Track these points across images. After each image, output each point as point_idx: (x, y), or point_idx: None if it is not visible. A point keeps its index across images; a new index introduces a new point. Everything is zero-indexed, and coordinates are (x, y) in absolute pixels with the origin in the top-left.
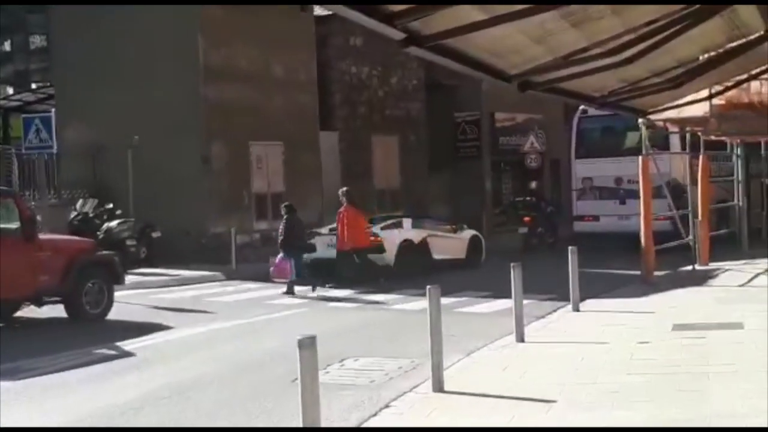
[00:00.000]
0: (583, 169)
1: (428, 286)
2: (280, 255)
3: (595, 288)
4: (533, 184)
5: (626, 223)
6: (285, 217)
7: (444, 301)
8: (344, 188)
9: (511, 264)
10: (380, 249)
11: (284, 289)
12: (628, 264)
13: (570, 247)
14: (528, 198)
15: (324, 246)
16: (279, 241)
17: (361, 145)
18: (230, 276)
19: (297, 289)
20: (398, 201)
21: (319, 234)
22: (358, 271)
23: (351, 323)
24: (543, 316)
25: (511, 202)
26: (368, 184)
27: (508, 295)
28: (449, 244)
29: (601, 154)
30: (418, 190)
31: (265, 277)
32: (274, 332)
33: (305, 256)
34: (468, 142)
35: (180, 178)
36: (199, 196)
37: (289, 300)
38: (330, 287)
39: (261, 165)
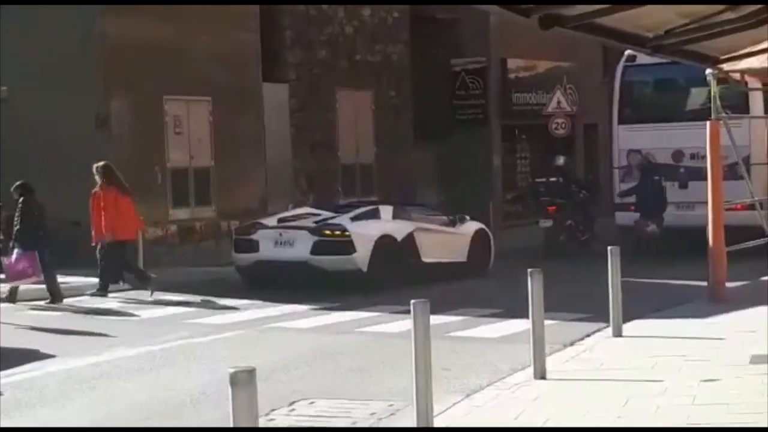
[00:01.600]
0: (628, 138)
1: (413, 301)
2: (17, 251)
3: (644, 304)
4: (560, 160)
5: (688, 214)
6: (20, 200)
7: (435, 320)
8: (100, 163)
9: (529, 270)
10: (347, 248)
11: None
12: (691, 271)
13: (610, 248)
14: (553, 179)
15: (269, 244)
16: (14, 233)
17: (321, 103)
18: (135, 285)
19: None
20: (372, 181)
21: (264, 227)
22: (119, 274)
23: (305, 351)
24: (572, 343)
25: (529, 185)
26: (329, 158)
27: (524, 314)
28: (444, 242)
29: (654, 119)
30: (400, 166)
31: (185, 286)
32: (197, 363)
33: (243, 258)
34: (470, 101)
35: (66, 147)
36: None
37: (219, 317)
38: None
39: (180, 129)
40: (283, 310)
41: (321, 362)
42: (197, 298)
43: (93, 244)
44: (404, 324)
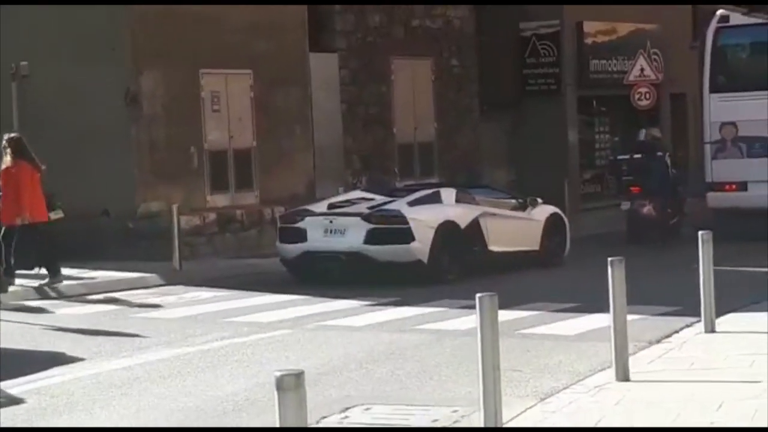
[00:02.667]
0: (722, 109)
1: (479, 295)
2: None
3: (740, 296)
4: (643, 134)
5: None
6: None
7: (504, 316)
8: (12, 135)
9: (609, 259)
10: (404, 236)
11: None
12: None
13: (701, 233)
14: (637, 155)
15: (318, 232)
16: None
17: (375, 75)
18: (171, 279)
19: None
20: (432, 161)
21: (311, 213)
22: (39, 258)
23: (359, 352)
24: (659, 341)
25: (610, 163)
26: (384, 136)
27: (604, 309)
28: (514, 229)
29: (751, 86)
30: (464, 144)
31: (225, 281)
32: (239, 366)
33: (289, 248)
34: (541, 69)
35: (92, 127)
36: (123, 154)
37: (263, 315)
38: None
39: (218, 106)
40: (334, 306)
41: (377, 364)
42: (239, 294)
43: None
44: (470, 320)
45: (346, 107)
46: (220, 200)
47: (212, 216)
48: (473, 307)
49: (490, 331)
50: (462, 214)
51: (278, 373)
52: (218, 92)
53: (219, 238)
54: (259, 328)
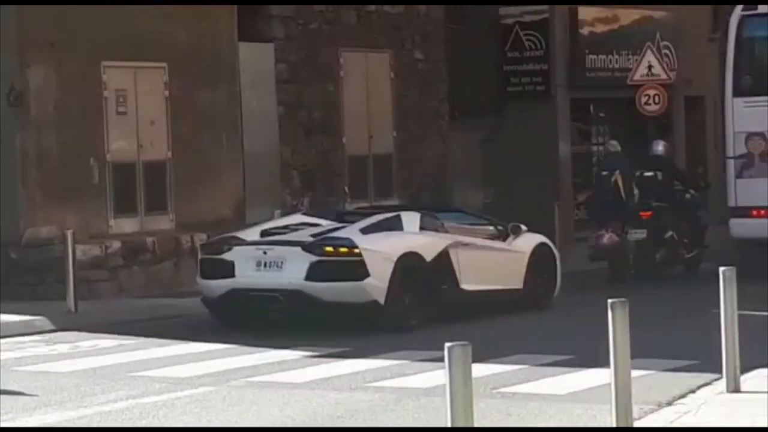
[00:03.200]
0: (748, 117)
1: (449, 344)
2: None
3: None
4: (659, 147)
5: None
6: None
7: (480, 371)
8: None
9: (609, 301)
10: (356, 271)
11: None
12: None
13: (722, 269)
14: (649, 173)
15: (249, 266)
16: None
17: (320, 71)
18: (64, 323)
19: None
20: (390, 179)
21: (241, 242)
22: None
23: (300, 414)
24: (671, 402)
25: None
26: (332, 146)
27: (603, 362)
28: (492, 263)
29: None
30: (431, 157)
31: (132, 326)
32: None
33: (213, 285)
34: (527, 65)
35: None
36: (5, 167)
37: (179, 368)
38: None
39: (125, 107)
40: (268, 357)
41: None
42: (149, 342)
43: None
44: (436, 376)
45: (284, 110)
46: (126, 225)
47: (116, 245)
48: (441, 359)
49: (461, 390)
50: (428, 245)
51: None
52: (125, 90)
53: (125, 272)
54: (175, 385)
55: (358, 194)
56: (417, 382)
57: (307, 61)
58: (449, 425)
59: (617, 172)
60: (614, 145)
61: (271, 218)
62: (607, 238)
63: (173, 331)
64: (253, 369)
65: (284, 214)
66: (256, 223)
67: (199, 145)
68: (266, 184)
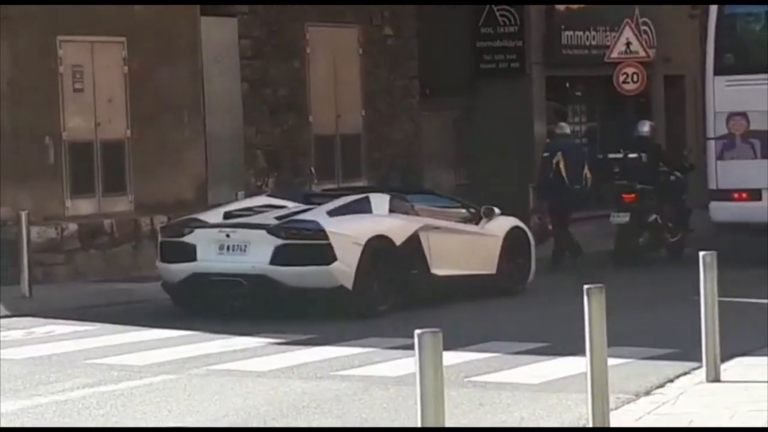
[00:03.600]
0: (729, 96)
1: (418, 331)
2: None
3: (752, 335)
4: (645, 127)
5: None
6: None
7: (451, 359)
8: None
9: (586, 287)
10: (323, 255)
11: None
12: None
13: (703, 254)
14: (632, 155)
15: (211, 249)
16: None
17: (286, 46)
18: (18, 308)
19: None
20: (359, 159)
21: (203, 224)
22: None
23: (263, 404)
24: (649, 392)
25: (597, 162)
26: (298, 125)
27: (578, 350)
28: (464, 247)
29: (767, 67)
30: (400, 137)
31: (89, 312)
32: (105, 422)
33: (173, 269)
34: (500, 42)
35: None
36: None
37: (137, 356)
38: None
39: (81, 84)
40: (231, 344)
41: (286, 420)
42: (107, 328)
43: None
44: (406, 364)
45: (248, 88)
46: (83, 206)
47: (73, 227)
48: (411, 347)
49: (432, 379)
50: (397, 228)
51: None
52: (81, 66)
53: (81, 255)
54: (133, 373)
55: (325, 175)
56: (386, 371)
57: (272, 37)
58: (419, 415)
59: (559, 153)
60: (561, 127)
61: (234, 200)
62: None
63: (132, 317)
64: (216, 356)
65: (248, 196)
66: (218, 205)
67: (159, 124)
68: (229, 164)
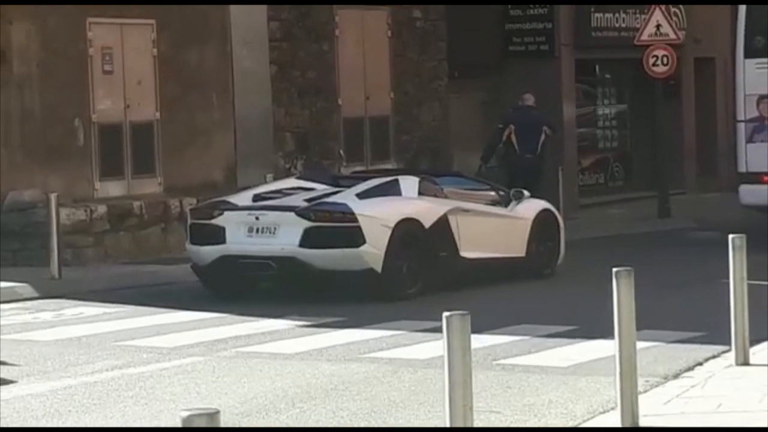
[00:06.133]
0: (760, 79)
1: (446, 314)
2: None
3: None
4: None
5: None
6: None
7: (480, 342)
8: None
9: (614, 270)
10: (352, 237)
11: None
12: None
13: (732, 237)
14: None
15: (240, 231)
16: None
17: (315, 30)
18: (48, 290)
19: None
20: (388, 142)
21: (232, 207)
22: None
23: (292, 386)
24: (677, 375)
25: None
26: (327, 108)
27: (607, 334)
28: (494, 230)
29: None
30: (429, 120)
31: (118, 293)
32: (134, 404)
33: (203, 252)
34: (529, 24)
35: None
36: None
37: (167, 338)
38: None
39: (111, 66)
40: (260, 327)
41: (314, 402)
42: (135, 310)
43: None
44: (434, 347)
45: (277, 70)
46: (112, 188)
47: (102, 209)
48: (439, 330)
49: (460, 362)
50: (426, 211)
51: (186, 413)
52: (111, 48)
53: (111, 237)
54: (162, 355)
55: (354, 158)
56: (414, 353)
57: (300, 19)
58: (447, 397)
59: (511, 127)
60: (524, 99)
61: (263, 182)
62: None
63: (161, 299)
64: (244, 339)
65: (277, 178)
66: (247, 188)
67: (188, 106)
68: (258, 146)
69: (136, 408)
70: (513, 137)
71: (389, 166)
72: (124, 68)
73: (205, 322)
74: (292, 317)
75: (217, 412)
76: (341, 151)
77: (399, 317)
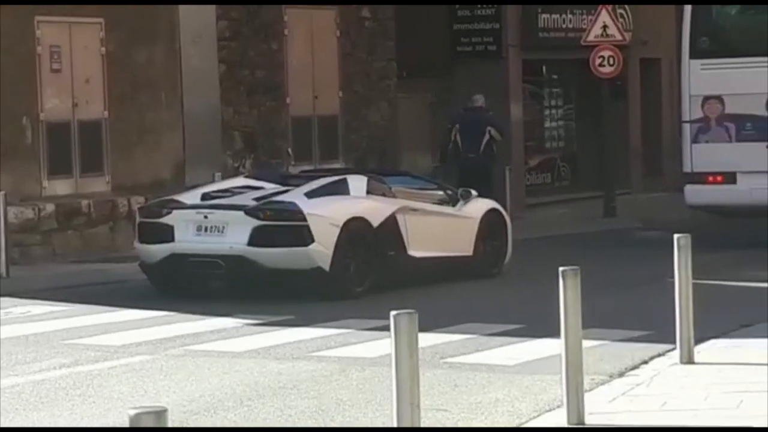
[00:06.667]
0: (705, 80)
1: (394, 313)
2: None
3: (726, 317)
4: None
5: None
6: None
7: (427, 340)
8: None
9: (561, 269)
10: (301, 236)
11: None
12: None
13: (677, 236)
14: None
15: (189, 230)
16: None
17: (263, 28)
18: None
19: None
20: (336, 141)
21: (181, 205)
22: None
23: (239, 384)
24: (623, 373)
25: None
26: (275, 107)
27: (554, 332)
28: (442, 229)
29: (743, 51)
30: (377, 119)
31: (66, 292)
32: (82, 402)
33: (151, 250)
34: (477, 25)
35: None
36: None
37: (114, 336)
38: None
39: (59, 64)
40: (208, 325)
41: (262, 400)
42: (83, 309)
43: None
44: (382, 345)
45: (226, 69)
46: (60, 187)
47: (50, 207)
48: (387, 328)
49: (407, 360)
50: (375, 210)
51: (133, 412)
52: (59, 47)
53: (59, 236)
54: (110, 354)
55: (303, 157)
56: (362, 352)
57: (249, 18)
58: (394, 395)
59: (456, 126)
60: (473, 100)
61: (211, 181)
62: None
63: (109, 298)
64: (192, 337)
65: (225, 177)
66: (196, 186)
67: (136, 105)
68: (206, 145)
69: (84, 406)
70: (458, 137)
71: (337, 165)
72: (73, 67)
73: (153, 321)
74: (240, 316)
75: (165, 410)
76: (290, 150)
77: (347, 316)
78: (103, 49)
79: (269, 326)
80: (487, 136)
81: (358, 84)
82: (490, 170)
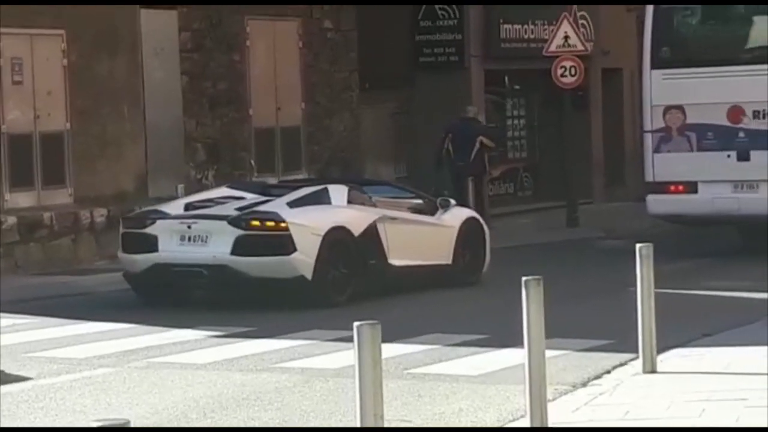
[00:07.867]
0: (666, 90)
1: (357, 324)
2: None
3: (687, 326)
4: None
5: (749, 197)
6: None
7: (392, 351)
8: None
9: (524, 279)
10: (283, 245)
11: None
12: (753, 278)
13: (639, 246)
14: None
15: (172, 240)
16: None
17: (226, 39)
18: None
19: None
20: (299, 152)
21: (165, 216)
22: None
23: (202, 396)
24: (586, 383)
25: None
26: (238, 118)
27: (517, 342)
28: (421, 237)
29: (704, 61)
30: (340, 130)
31: (28, 305)
32: (45, 415)
33: (135, 260)
34: (439, 35)
35: None
36: None
37: (79, 348)
38: None
39: (20, 76)
40: (171, 337)
41: (226, 412)
42: (46, 321)
43: None
44: (346, 356)
45: (188, 81)
46: (22, 199)
47: (11, 220)
48: (351, 339)
49: (371, 371)
50: (356, 219)
51: (96, 424)
52: (20, 59)
53: (21, 248)
54: (72, 366)
55: (266, 168)
56: (326, 363)
57: (211, 30)
58: (358, 406)
59: (449, 135)
60: (466, 111)
61: (174, 193)
62: None
63: (71, 310)
64: (155, 349)
65: (188, 189)
66: (176, 197)
67: (99, 117)
68: (169, 157)
69: (47, 419)
70: (450, 145)
71: (300, 176)
72: (34, 79)
73: (115, 333)
74: (203, 327)
75: (128, 422)
76: (252, 162)
77: (320, 323)
78: (65, 60)
79: (232, 338)
80: (477, 146)
81: (321, 95)
82: (478, 175)
